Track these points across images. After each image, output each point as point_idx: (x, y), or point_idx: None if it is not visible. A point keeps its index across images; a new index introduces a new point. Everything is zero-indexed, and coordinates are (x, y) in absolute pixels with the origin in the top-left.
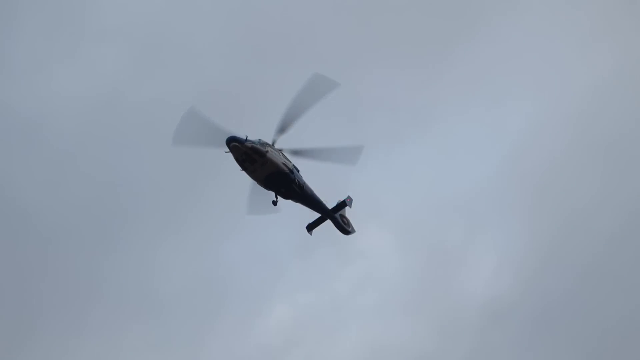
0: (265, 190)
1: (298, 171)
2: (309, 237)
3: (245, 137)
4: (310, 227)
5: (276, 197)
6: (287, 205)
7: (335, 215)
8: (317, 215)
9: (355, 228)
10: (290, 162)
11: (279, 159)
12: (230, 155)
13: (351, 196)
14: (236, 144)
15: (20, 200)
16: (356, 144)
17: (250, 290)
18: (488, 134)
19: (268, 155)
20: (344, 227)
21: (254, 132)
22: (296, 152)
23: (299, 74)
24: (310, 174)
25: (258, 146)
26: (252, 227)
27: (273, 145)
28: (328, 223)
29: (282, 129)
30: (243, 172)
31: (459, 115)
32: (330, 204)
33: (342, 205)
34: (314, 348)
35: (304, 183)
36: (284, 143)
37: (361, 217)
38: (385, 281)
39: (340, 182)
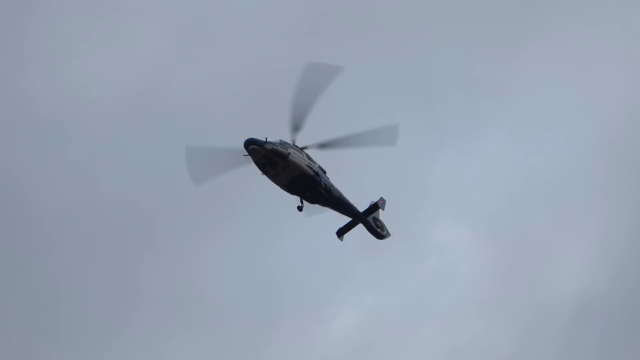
0: (290, 195)
1: (325, 172)
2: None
3: (264, 139)
4: (341, 232)
5: (301, 202)
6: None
7: (368, 219)
8: (347, 219)
9: (390, 231)
10: (316, 163)
11: (302, 161)
12: (250, 159)
13: (384, 198)
14: (255, 146)
15: (57, 198)
16: (390, 123)
17: (311, 294)
18: (579, 110)
19: (290, 157)
20: (378, 231)
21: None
22: (324, 145)
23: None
24: (341, 175)
25: (279, 148)
26: (311, 223)
27: (295, 145)
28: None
29: (295, 127)
30: (264, 176)
31: (543, 90)
32: (362, 207)
33: (375, 207)
34: (384, 355)
35: (332, 185)
36: (309, 139)
37: (434, 207)
38: (462, 278)
39: (371, 180)
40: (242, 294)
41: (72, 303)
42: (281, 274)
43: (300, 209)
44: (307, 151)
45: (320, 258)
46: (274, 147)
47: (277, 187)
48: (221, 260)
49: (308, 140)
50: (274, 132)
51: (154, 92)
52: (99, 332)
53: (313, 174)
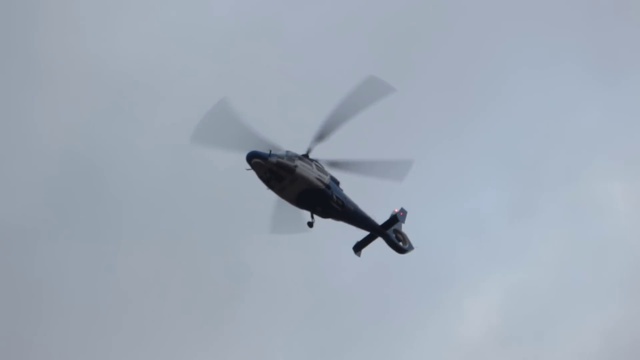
0: (299, 210)
1: (338, 184)
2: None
3: (269, 152)
4: (358, 248)
5: (312, 217)
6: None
7: (387, 232)
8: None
9: (413, 244)
10: (327, 175)
11: (311, 174)
12: (253, 172)
13: (405, 209)
14: (258, 160)
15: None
16: (406, 157)
17: (446, 268)
18: None
19: (297, 170)
20: (399, 245)
21: None
22: (335, 164)
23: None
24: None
25: (285, 161)
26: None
27: (307, 155)
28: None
29: (320, 137)
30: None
31: None
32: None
33: (394, 220)
34: (533, 341)
35: (345, 198)
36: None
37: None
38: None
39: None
40: (363, 273)
41: (175, 286)
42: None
43: (310, 224)
44: (312, 153)
45: (457, 225)
46: (279, 159)
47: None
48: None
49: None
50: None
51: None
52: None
53: (324, 187)
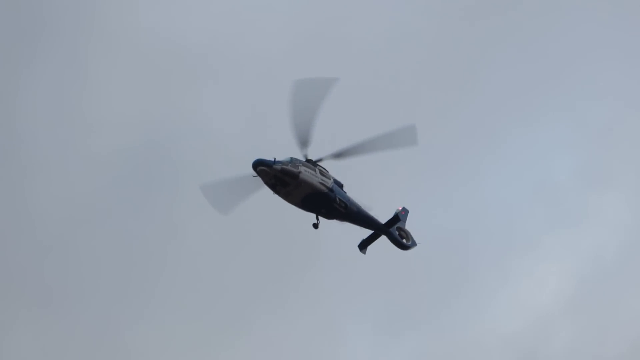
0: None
1: (342, 186)
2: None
3: (273, 159)
4: (364, 245)
5: (317, 219)
6: None
7: (390, 230)
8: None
9: (416, 241)
10: (330, 178)
11: (314, 179)
12: (260, 179)
13: (407, 208)
14: (263, 167)
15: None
16: (406, 124)
17: (519, 234)
18: None
19: (301, 176)
20: (402, 242)
21: None
22: (339, 155)
23: None
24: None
25: (289, 167)
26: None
27: (309, 160)
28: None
29: (338, 155)
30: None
31: None
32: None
33: (396, 219)
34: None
35: (349, 200)
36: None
37: None
38: None
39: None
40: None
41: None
42: (478, 211)
43: (315, 226)
44: (322, 163)
45: (531, 192)
46: (284, 166)
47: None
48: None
49: (322, 152)
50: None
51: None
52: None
53: (327, 190)
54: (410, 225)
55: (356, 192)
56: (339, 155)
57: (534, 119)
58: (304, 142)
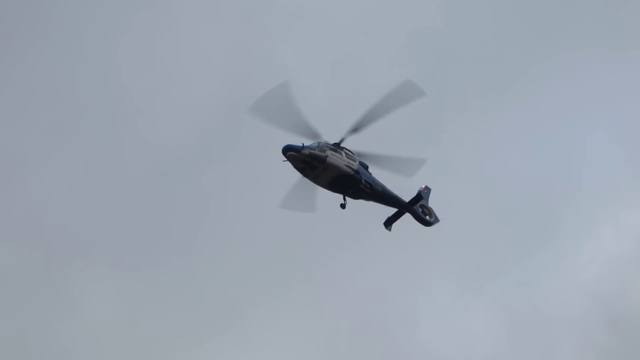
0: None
1: (367, 168)
2: None
3: (301, 144)
4: (389, 222)
5: (344, 200)
6: None
7: (414, 208)
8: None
9: (439, 217)
10: (356, 161)
11: (340, 162)
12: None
13: (428, 186)
14: (293, 152)
15: None
16: (421, 156)
17: (599, 182)
18: None
19: (328, 159)
20: (426, 219)
21: None
22: (356, 128)
23: None
24: None
25: (317, 152)
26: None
27: (340, 144)
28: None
29: (355, 129)
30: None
31: None
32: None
33: (419, 197)
34: None
35: (374, 180)
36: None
37: None
38: None
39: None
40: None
41: None
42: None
43: (343, 206)
44: (344, 141)
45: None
46: (312, 151)
47: None
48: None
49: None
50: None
51: None
52: None
53: (353, 172)
54: (493, 171)
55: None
56: (355, 129)
57: (620, 60)
58: (356, 129)
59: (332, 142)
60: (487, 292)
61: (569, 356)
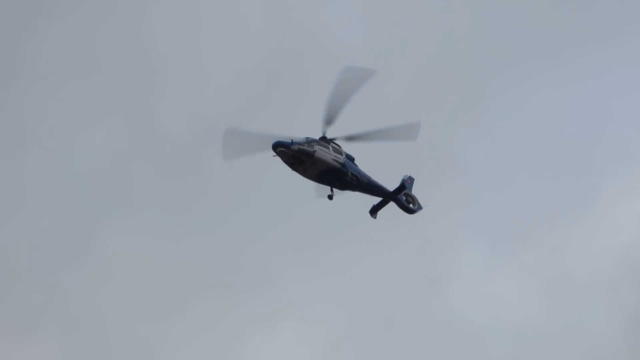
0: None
1: (353, 160)
2: None
3: (290, 141)
4: (374, 210)
5: (331, 191)
6: None
7: (398, 197)
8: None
9: (421, 204)
10: (342, 155)
11: (328, 156)
12: (278, 158)
13: (412, 177)
14: (282, 148)
15: None
16: (412, 120)
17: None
18: None
19: (316, 154)
20: (409, 207)
21: None
22: (351, 138)
23: None
24: None
25: (305, 147)
26: None
27: (324, 137)
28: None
29: (328, 121)
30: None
31: None
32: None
33: (402, 187)
34: None
35: (359, 172)
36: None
37: None
38: None
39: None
40: None
41: None
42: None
43: (330, 197)
44: (336, 141)
45: None
46: (300, 147)
47: None
48: None
49: (337, 132)
50: None
51: None
52: None
53: (339, 166)
54: (530, 135)
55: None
56: (351, 138)
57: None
58: (329, 121)
59: (322, 136)
60: (520, 258)
61: (600, 321)
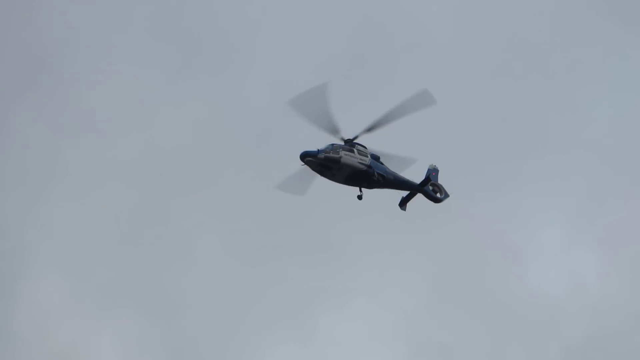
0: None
1: (378, 159)
2: None
3: (317, 150)
4: (403, 203)
5: (360, 191)
6: None
7: (425, 188)
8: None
9: (448, 192)
10: (367, 156)
11: (354, 160)
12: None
13: (437, 167)
14: (310, 158)
15: None
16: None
17: None
18: None
19: (342, 160)
20: (436, 197)
21: None
22: (371, 128)
23: None
24: None
25: (331, 155)
26: None
27: (354, 140)
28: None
29: (370, 129)
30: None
31: None
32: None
33: (427, 180)
34: None
35: (385, 171)
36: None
37: None
38: None
39: None
40: None
41: None
42: None
43: (360, 197)
44: (359, 139)
45: None
46: (326, 155)
47: None
48: None
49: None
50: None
51: None
52: None
53: (366, 168)
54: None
55: None
56: (370, 129)
57: None
58: (370, 130)
59: (344, 141)
60: (595, 233)
61: None
